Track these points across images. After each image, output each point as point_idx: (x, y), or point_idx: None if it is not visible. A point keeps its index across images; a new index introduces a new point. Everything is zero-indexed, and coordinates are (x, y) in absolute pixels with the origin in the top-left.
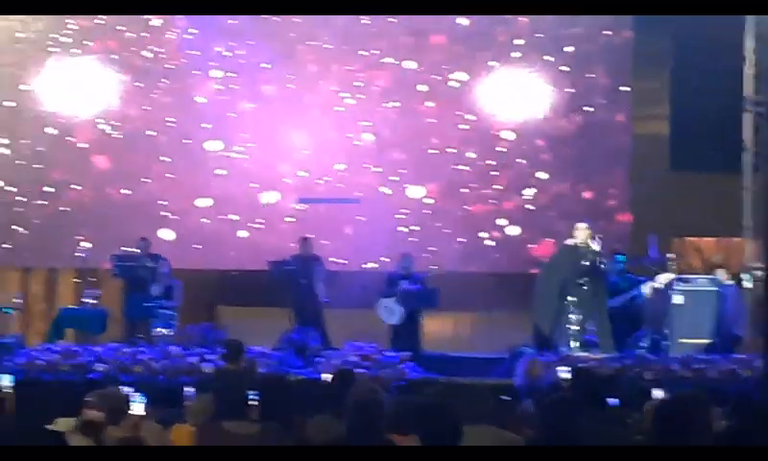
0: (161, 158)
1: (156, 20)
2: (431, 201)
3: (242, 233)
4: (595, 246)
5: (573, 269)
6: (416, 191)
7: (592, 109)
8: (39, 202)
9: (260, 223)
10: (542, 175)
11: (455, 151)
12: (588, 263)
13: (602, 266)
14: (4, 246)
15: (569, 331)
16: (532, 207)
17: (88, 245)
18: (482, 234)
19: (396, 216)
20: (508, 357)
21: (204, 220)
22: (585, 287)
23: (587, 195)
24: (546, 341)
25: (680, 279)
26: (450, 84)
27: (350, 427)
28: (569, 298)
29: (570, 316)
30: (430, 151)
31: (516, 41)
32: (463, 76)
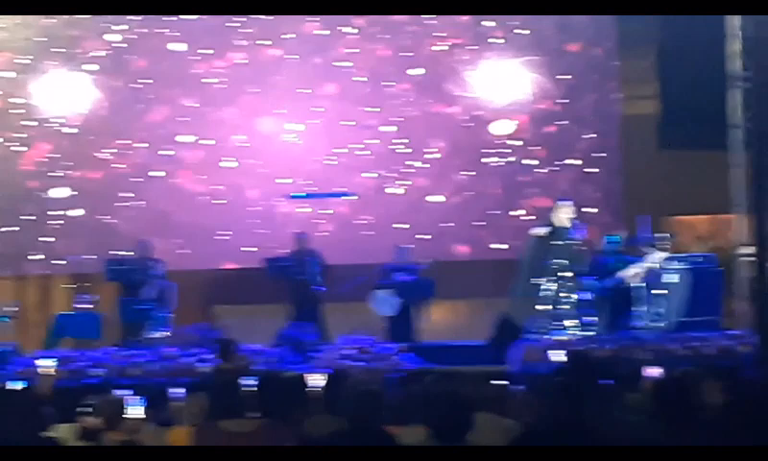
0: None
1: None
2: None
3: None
4: (569, 225)
5: (554, 249)
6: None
7: (580, 91)
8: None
9: (252, 220)
10: (531, 159)
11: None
12: (565, 243)
13: (580, 245)
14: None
15: (558, 313)
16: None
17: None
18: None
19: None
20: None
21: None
22: (565, 266)
23: (575, 175)
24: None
25: (672, 258)
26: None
27: (348, 423)
28: (550, 277)
29: (558, 296)
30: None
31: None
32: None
